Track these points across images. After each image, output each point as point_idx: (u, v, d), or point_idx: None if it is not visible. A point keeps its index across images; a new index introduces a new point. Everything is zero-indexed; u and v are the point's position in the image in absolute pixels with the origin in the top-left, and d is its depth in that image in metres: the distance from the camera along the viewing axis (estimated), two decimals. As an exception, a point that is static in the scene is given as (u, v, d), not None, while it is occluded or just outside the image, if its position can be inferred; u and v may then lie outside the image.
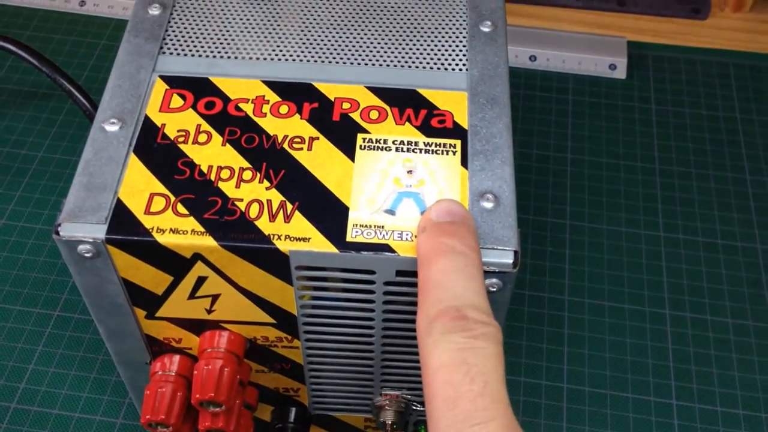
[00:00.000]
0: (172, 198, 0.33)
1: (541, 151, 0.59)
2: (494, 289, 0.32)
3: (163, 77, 0.37)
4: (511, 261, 0.31)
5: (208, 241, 0.32)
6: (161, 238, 0.32)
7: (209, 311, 0.35)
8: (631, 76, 0.64)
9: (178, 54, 0.38)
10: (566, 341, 0.50)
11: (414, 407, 0.41)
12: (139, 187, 0.33)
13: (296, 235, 0.32)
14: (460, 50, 0.38)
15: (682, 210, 0.56)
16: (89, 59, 0.64)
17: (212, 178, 0.33)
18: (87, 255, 0.32)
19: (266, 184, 0.33)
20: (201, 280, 0.34)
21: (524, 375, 0.48)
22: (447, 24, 0.39)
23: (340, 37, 0.39)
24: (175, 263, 0.33)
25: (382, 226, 0.32)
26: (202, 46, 0.38)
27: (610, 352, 0.49)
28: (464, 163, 0.34)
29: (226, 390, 0.35)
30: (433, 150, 0.34)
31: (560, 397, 0.47)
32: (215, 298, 0.35)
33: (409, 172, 0.34)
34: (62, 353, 0.49)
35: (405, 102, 0.36)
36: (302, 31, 0.39)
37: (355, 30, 0.39)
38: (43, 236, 0.54)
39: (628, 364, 0.49)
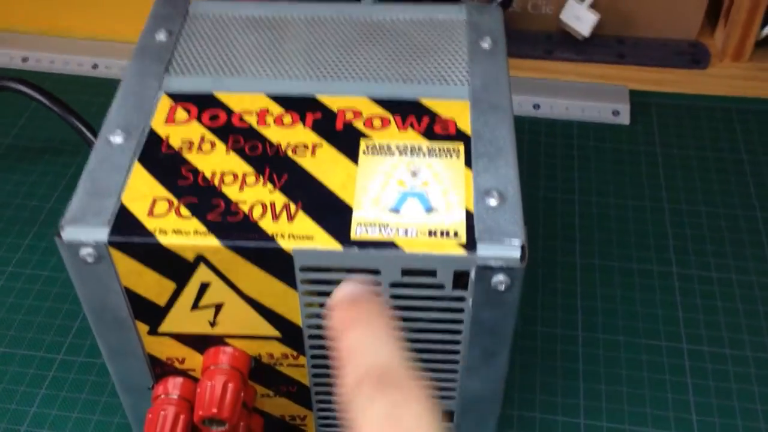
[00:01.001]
0: (175, 201, 0.33)
1: (548, 194, 0.59)
2: (502, 288, 0.31)
3: (168, 94, 0.37)
4: (518, 255, 0.31)
5: (211, 242, 0.31)
6: (164, 239, 0.31)
7: (213, 324, 0.35)
8: (634, 122, 0.65)
9: (184, 74, 0.38)
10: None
11: (425, 435, 0.40)
12: (143, 191, 0.33)
13: (300, 233, 0.31)
14: (461, 65, 0.39)
15: (694, 247, 0.55)
16: (100, 118, 0.65)
17: (216, 183, 0.33)
18: (89, 260, 0.32)
19: (270, 187, 0.33)
20: (204, 287, 0.33)
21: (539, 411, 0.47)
22: (448, 43, 0.40)
23: (343, 56, 0.39)
24: (177, 267, 0.32)
25: (387, 224, 0.32)
26: (207, 67, 0.39)
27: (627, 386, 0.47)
28: (468, 164, 0.34)
29: (230, 407, 0.34)
30: (436, 153, 0.34)
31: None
32: (219, 308, 0.34)
33: (413, 174, 0.34)
34: (65, 395, 0.48)
35: (408, 111, 0.36)
36: (306, 52, 0.40)
37: (358, 50, 0.40)
38: (50, 281, 0.54)
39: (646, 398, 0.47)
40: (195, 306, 0.34)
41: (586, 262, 0.54)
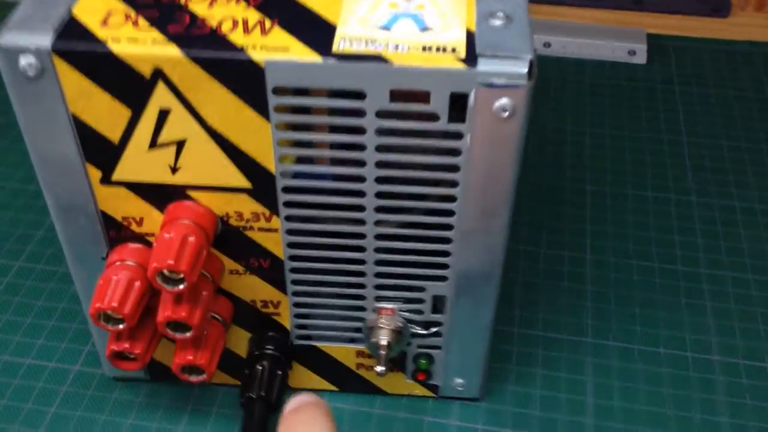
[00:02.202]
0: (133, 14, 0.28)
1: (558, 125, 0.55)
2: (506, 114, 0.27)
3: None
4: (525, 70, 0.26)
5: (171, 51, 0.27)
6: (116, 48, 0.27)
7: (174, 169, 0.30)
8: (651, 62, 0.60)
9: None
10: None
11: (413, 330, 0.35)
12: (96, 5, 0.29)
13: (274, 45, 0.27)
14: None
15: (714, 177, 0.51)
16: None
17: (182, 1, 0.29)
18: (30, 73, 0.28)
19: (243, 5, 0.29)
20: (163, 116, 0.29)
21: None
22: None
23: None
24: (132, 85, 0.28)
25: (375, 39, 0.27)
26: None
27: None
28: (470, -7, 0.30)
29: (189, 260, 0.30)
30: (435, -17, 0.30)
31: None
32: (180, 146, 0.29)
33: None
34: (20, 300, 0.43)
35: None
36: None
37: None
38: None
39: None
40: (153, 143, 0.29)
41: (597, 189, 0.50)
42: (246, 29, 0.28)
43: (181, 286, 0.30)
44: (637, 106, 0.56)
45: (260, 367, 0.35)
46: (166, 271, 0.30)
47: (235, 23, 0.28)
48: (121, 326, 0.31)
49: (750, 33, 0.64)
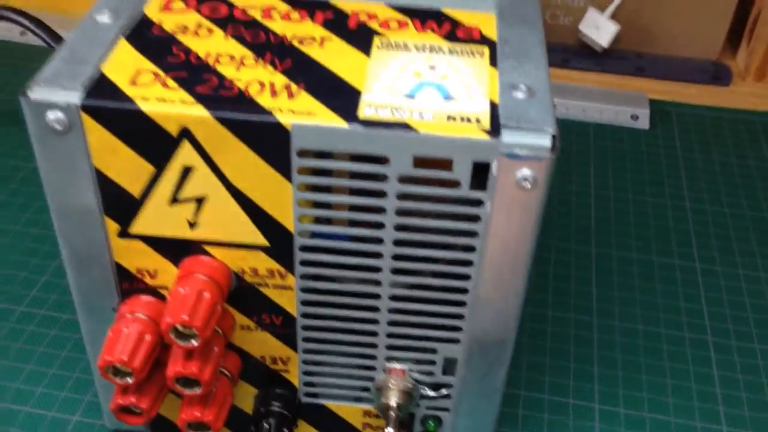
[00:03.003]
0: (162, 74, 0.29)
1: (564, 186, 0.55)
2: (528, 185, 0.27)
3: (166, -17, 0.34)
4: (548, 144, 0.27)
5: (199, 111, 0.27)
6: (145, 106, 0.27)
7: (192, 225, 0.30)
8: (654, 127, 0.61)
9: (186, -29, 0.35)
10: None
11: (423, 391, 0.35)
12: (126, 64, 0.29)
13: (301, 109, 0.28)
14: (488, -17, 0.36)
15: (718, 244, 0.51)
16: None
17: (210, 62, 0.30)
18: (57, 127, 0.28)
19: (270, 69, 0.29)
20: (186, 173, 0.29)
21: None
22: (473, -34, 0.37)
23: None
24: (158, 143, 0.28)
25: (400, 107, 0.28)
26: (212, -33, 0.36)
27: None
28: (494, 63, 0.30)
29: (203, 317, 0.30)
30: (458, 53, 0.31)
31: None
32: (201, 202, 0.30)
33: (432, 67, 0.30)
34: (21, 347, 0.43)
35: (428, 16, 0.33)
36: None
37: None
38: (20, 237, 0.49)
39: None
40: (174, 199, 0.30)
41: (602, 251, 0.50)
42: (273, 92, 0.28)
43: (194, 342, 0.30)
44: (641, 170, 0.57)
45: (266, 425, 0.35)
46: (179, 327, 0.30)
47: (262, 86, 0.28)
48: (129, 380, 0.31)
49: (751, 102, 0.65)
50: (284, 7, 0.33)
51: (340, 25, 0.32)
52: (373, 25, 0.32)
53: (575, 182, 0.56)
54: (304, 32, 0.32)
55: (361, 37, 0.31)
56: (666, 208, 0.54)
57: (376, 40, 0.31)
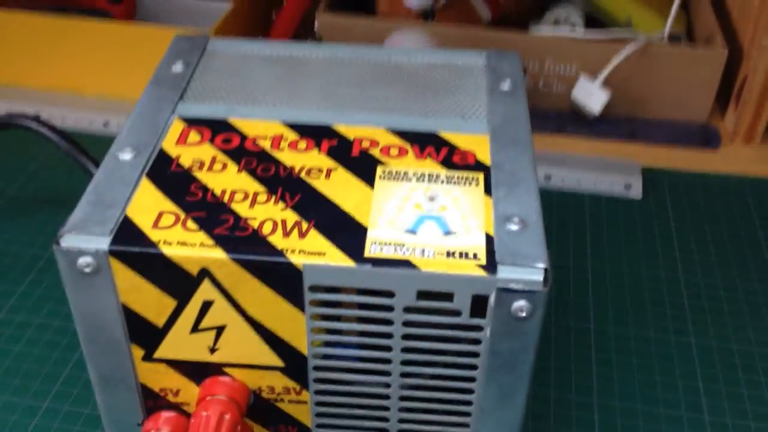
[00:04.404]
0: (182, 215, 0.31)
1: (560, 262, 0.57)
2: (523, 314, 0.30)
3: (182, 117, 0.37)
4: (541, 278, 0.29)
5: (218, 254, 0.30)
6: (168, 250, 0.30)
7: (212, 350, 0.33)
8: (647, 197, 0.64)
9: (198, 101, 0.38)
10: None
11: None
12: (149, 205, 0.32)
13: (311, 249, 0.30)
14: (481, 103, 0.38)
15: (712, 318, 0.53)
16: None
17: (225, 200, 0.32)
18: (87, 270, 0.30)
19: (281, 205, 0.32)
20: (206, 306, 0.31)
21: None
22: (467, 83, 0.40)
23: (361, 92, 0.39)
24: (180, 282, 0.30)
25: (403, 244, 0.30)
26: (223, 96, 0.38)
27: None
28: (488, 191, 0.33)
29: (225, 439, 0.32)
30: (455, 181, 0.33)
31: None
32: (220, 331, 0.32)
33: (431, 198, 0.32)
34: (46, 445, 0.45)
35: (426, 141, 0.35)
36: (323, 87, 0.39)
37: (377, 88, 0.39)
38: (41, 328, 0.52)
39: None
40: (195, 328, 0.32)
41: (601, 328, 0.52)
42: (285, 232, 0.31)
43: (218, 463, 0.32)
44: (635, 242, 0.59)
45: None
46: (203, 448, 0.32)
47: (274, 225, 0.31)
48: (157, 495, 0.33)
49: (739, 166, 0.68)
50: (292, 136, 0.36)
51: (344, 154, 0.34)
52: (375, 152, 0.35)
53: (573, 256, 0.58)
54: (311, 163, 0.34)
55: (364, 167, 0.34)
56: (660, 281, 0.56)
57: (379, 170, 0.34)
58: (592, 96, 0.70)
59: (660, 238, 0.60)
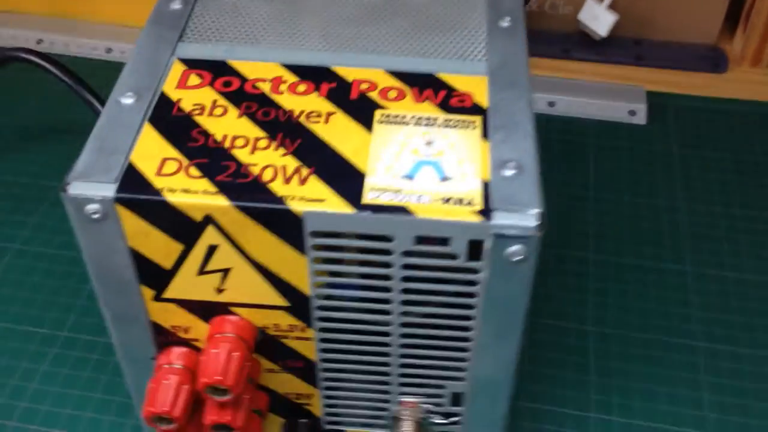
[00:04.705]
0: (185, 162, 0.32)
1: (562, 190, 0.58)
2: (517, 259, 0.31)
3: (181, 59, 0.37)
4: (534, 224, 0.30)
5: (221, 201, 0.31)
6: (172, 197, 0.31)
7: (219, 291, 0.34)
8: (651, 122, 0.64)
9: (198, 42, 0.38)
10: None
11: (434, 421, 0.39)
12: (152, 151, 0.32)
13: (311, 196, 0.31)
14: (480, 42, 0.38)
15: (709, 246, 0.54)
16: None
17: (226, 145, 0.33)
18: (95, 216, 0.31)
19: (282, 151, 0.32)
20: (211, 251, 0.32)
21: None
22: (466, 20, 0.39)
23: (360, 30, 0.39)
24: (185, 227, 0.31)
25: (400, 190, 0.31)
26: (222, 36, 0.38)
27: None
28: (485, 135, 0.33)
29: (235, 375, 0.33)
30: (452, 124, 0.34)
31: None
32: (226, 273, 0.33)
33: (428, 143, 0.33)
34: (67, 373, 0.47)
35: (424, 84, 0.36)
36: (322, 26, 0.39)
37: (376, 25, 0.39)
38: (55, 259, 0.53)
39: None
40: (202, 271, 0.33)
41: (600, 258, 0.53)
42: (285, 179, 0.31)
43: (227, 396, 0.34)
44: (637, 170, 0.60)
45: (293, 451, 0.39)
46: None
47: (275, 172, 0.31)
48: (171, 426, 0.35)
49: (746, 90, 0.67)
50: (292, 79, 0.36)
51: (343, 97, 0.35)
52: (374, 95, 0.35)
53: (575, 184, 0.58)
54: (310, 107, 0.34)
55: (363, 110, 0.34)
56: (659, 210, 0.57)
57: (377, 114, 0.34)
58: (598, 18, 0.69)
59: (662, 166, 0.60)
